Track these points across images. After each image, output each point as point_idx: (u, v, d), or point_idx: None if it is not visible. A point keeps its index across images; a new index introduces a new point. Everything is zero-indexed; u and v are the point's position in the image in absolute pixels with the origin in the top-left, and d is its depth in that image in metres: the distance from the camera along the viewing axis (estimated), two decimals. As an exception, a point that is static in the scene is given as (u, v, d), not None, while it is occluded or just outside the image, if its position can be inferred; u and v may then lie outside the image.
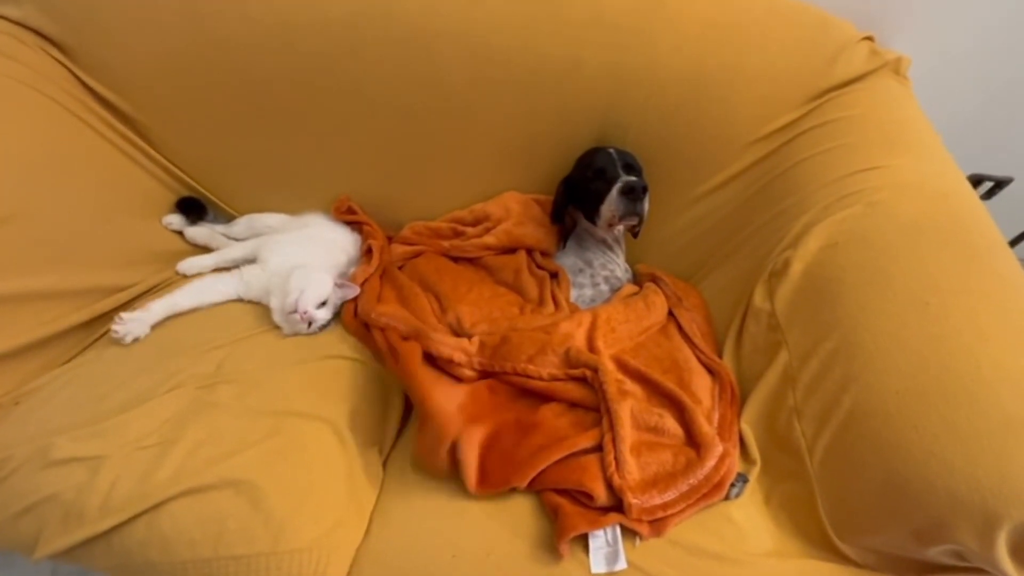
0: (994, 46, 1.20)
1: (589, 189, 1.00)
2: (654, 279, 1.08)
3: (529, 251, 1.08)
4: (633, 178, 0.95)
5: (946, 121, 0.97)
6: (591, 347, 0.88)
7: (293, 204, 1.16)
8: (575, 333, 0.88)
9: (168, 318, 0.93)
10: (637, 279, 1.13)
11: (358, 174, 1.15)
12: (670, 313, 1.01)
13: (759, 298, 0.88)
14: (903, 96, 0.96)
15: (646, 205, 0.95)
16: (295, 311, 0.87)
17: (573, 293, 1.06)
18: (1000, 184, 1.37)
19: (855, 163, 0.87)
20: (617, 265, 1.10)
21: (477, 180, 1.12)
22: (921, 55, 1.05)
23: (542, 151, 1.08)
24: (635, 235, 1.11)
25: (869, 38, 0.99)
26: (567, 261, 1.10)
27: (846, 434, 0.69)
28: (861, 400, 0.68)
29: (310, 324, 0.89)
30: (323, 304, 0.90)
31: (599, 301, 1.06)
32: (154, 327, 0.91)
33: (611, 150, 1.02)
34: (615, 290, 1.07)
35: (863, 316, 0.73)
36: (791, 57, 0.96)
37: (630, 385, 0.83)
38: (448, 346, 0.84)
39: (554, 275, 1.05)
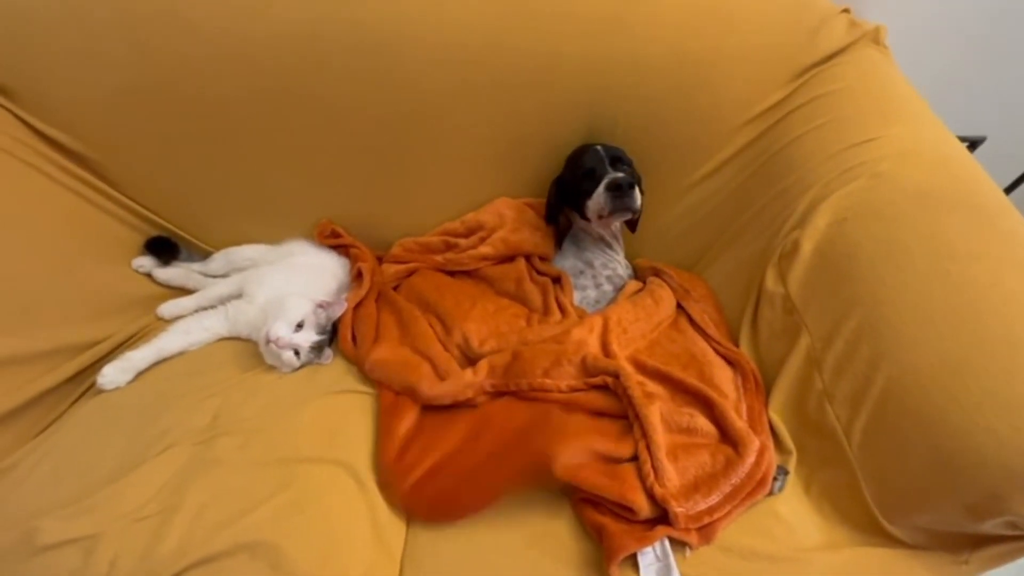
0: (960, 8, 1.22)
1: (580, 189, 0.97)
2: (656, 272, 1.05)
3: (528, 257, 1.05)
4: (620, 174, 0.92)
5: (917, 85, 0.97)
6: (606, 352, 0.84)
7: (272, 233, 1.10)
8: (588, 339, 0.84)
9: (153, 366, 0.86)
10: (638, 274, 1.10)
11: (338, 194, 1.09)
12: (679, 306, 0.99)
13: (771, 282, 0.86)
14: (886, 65, 0.96)
15: (637, 199, 0.93)
16: (269, 342, 0.81)
17: (576, 296, 1.02)
18: (974, 144, 1.40)
19: (851, 136, 0.85)
20: (618, 263, 1.07)
21: (465, 189, 1.08)
22: (890, 22, 1.05)
23: (530, 152, 1.04)
24: (633, 229, 1.08)
25: (846, 11, 0.99)
26: (567, 263, 1.07)
27: (884, 413, 0.67)
28: (895, 377, 0.67)
29: (297, 353, 0.83)
30: (300, 327, 0.84)
31: (604, 302, 1.03)
32: (139, 376, 0.84)
33: (599, 147, 0.99)
34: (618, 289, 1.04)
35: (884, 290, 0.71)
36: (773, 35, 0.94)
37: (652, 386, 0.80)
38: (450, 392, 0.79)
39: (556, 280, 1.01)
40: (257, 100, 0.98)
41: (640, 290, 1.01)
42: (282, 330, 0.82)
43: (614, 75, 0.95)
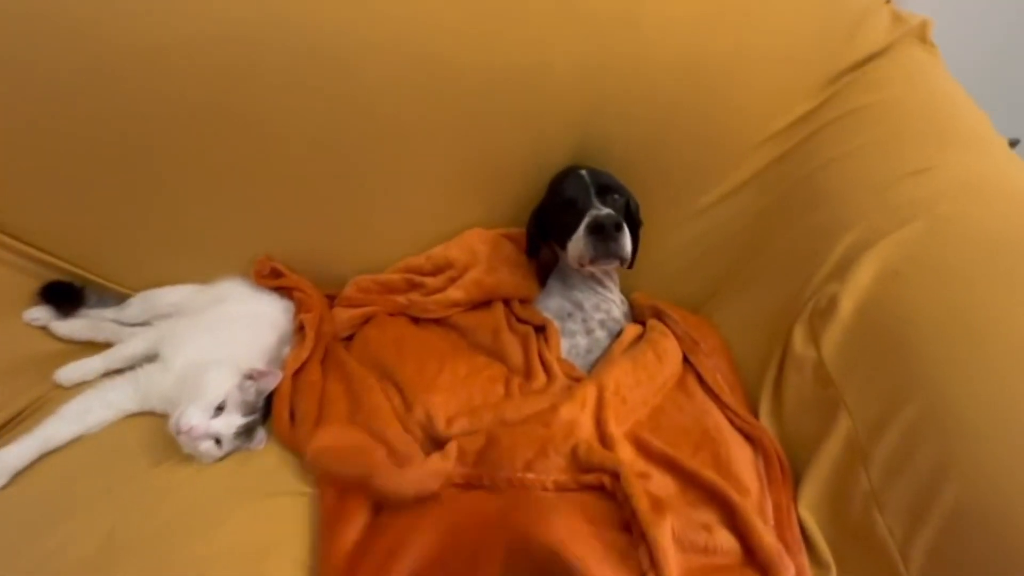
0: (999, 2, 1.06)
1: (559, 224, 0.83)
2: (658, 314, 0.90)
3: (506, 300, 0.88)
4: (606, 210, 0.77)
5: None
6: (601, 432, 0.69)
7: (202, 270, 0.92)
8: (579, 419, 0.69)
9: (40, 459, 0.69)
10: (636, 313, 0.94)
11: (281, 224, 0.92)
12: (684, 358, 0.84)
13: (800, 343, 0.71)
14: (934, 68, 0.80)
15: (626, 243, 0.77)
16: (179, 432, 0.65)
17: (564, 344, 0.87)
18: (1010, 146, 1.26)
19: (900, 163, 0.70)
20: (613, 303, 0.91)
21: (431, 218, 0.91)
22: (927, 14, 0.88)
23: (509, 176, 0.88)
24: (629, 266, 0.92)
25: (888, 1, 0.82)
26: (552, 304, 0.91)
27: (955, 537, 0.53)
28: (971, 493, 0.52)
29: (219, 442, 0.67)
30: (221, 408, 0.68)
31: (596, 351, 0.87)
32: (16, 478, 0.67)
33: (583, 172, 0.83)
34: (613, 335, 0.88)
35: (953, 372, 0.57)
36: (804, 34, 0.79)
37: (658, 477, 0.66)
38: (412, 484, 0.62)
39: (539, 328, 0.85)
40: (180, 115, 0.81)
41: (640, 338, 0.86)
42: (195, 417, 0.65)
43: (612, 83, 0.79)
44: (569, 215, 0.79)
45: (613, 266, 0.81)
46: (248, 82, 0.80)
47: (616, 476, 0.61)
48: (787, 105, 0.80)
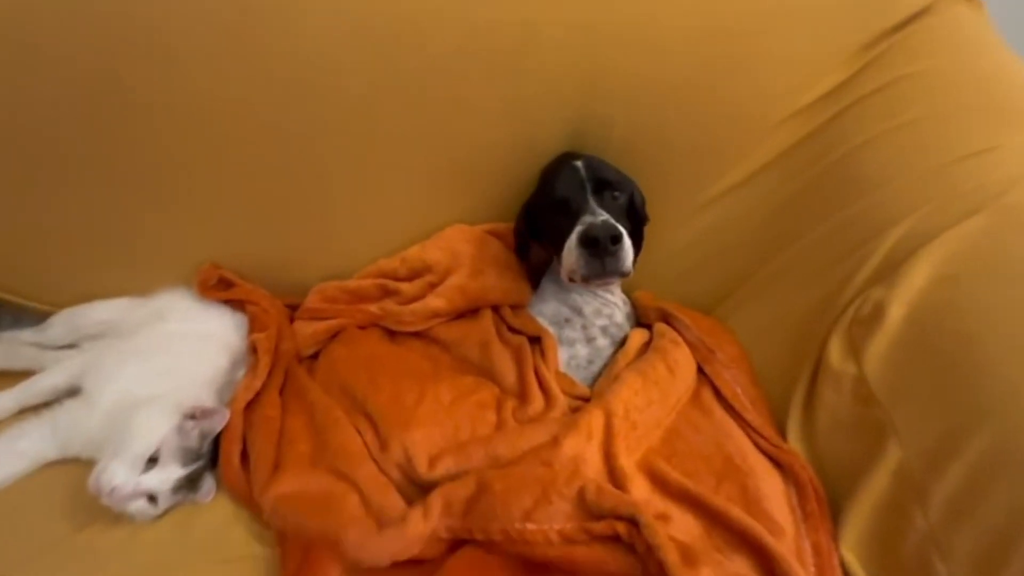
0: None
1: (551, 225, 0.72)
2: (666, 317, 0.80)
3: (495, 307, 0.77)
4: (601, 218, 0.66)
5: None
6: (611, 466, 0.59)
7: (137, 282, 0.79)
8: (586, 453, 0.59)
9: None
10: (640, 315, 0.84)
11: (228, 224, 0.80)
12: (698, 369, 0.74)
13: (837, 356, 0.62)
14: (984, 33, 0.70)
15: (626, 258, 0.66)
16: (99, 493, 0.53)
17: (563, 355, 0.77)
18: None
19: (957, 143, 0.60)
20: (615, 306, 0.80)
21: (405, 213, 0.80)
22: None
23: (492, 164, 0.77)
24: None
25: (928, -50, 0.71)
26: (547, 309, 0.80)
27: (1040, 598, 0.45)
28: (1060, 545, 0.44)
29: (154, 499, 0.56)
30: (153, 461, 0.56)
31: (598, 363, 0.77)
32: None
33: (578, 163, 0.72)
34: (617, 342, 0.78)
35: (1030, 399, 0.48)
36: None
37: (679, 519, 0.56)
38: (389, 550, 0.52)
39: (534, 339, 0.75)
40: (101, 95, 0.69)
41: (647, 345, 0.76)
42: (118, 475, 0.53)
43: (613, 54, 0.69)
44: (561, 217, 0.69)
45: (612, 285, 0.70)
46: (177, 53, 0.67)
47: (633, 522, 0.52)
48: (815, 76, 0.69)
